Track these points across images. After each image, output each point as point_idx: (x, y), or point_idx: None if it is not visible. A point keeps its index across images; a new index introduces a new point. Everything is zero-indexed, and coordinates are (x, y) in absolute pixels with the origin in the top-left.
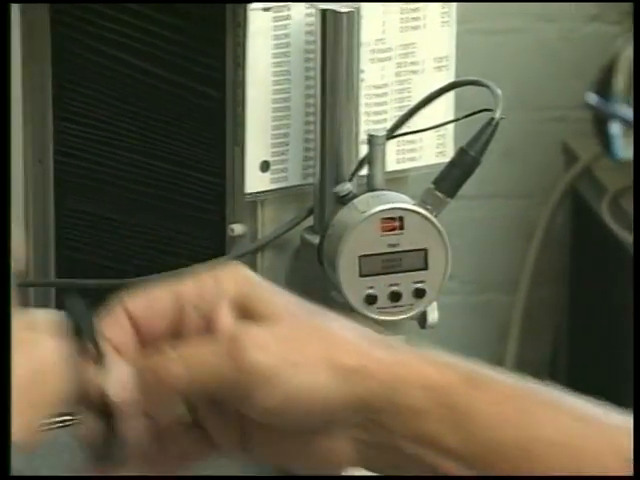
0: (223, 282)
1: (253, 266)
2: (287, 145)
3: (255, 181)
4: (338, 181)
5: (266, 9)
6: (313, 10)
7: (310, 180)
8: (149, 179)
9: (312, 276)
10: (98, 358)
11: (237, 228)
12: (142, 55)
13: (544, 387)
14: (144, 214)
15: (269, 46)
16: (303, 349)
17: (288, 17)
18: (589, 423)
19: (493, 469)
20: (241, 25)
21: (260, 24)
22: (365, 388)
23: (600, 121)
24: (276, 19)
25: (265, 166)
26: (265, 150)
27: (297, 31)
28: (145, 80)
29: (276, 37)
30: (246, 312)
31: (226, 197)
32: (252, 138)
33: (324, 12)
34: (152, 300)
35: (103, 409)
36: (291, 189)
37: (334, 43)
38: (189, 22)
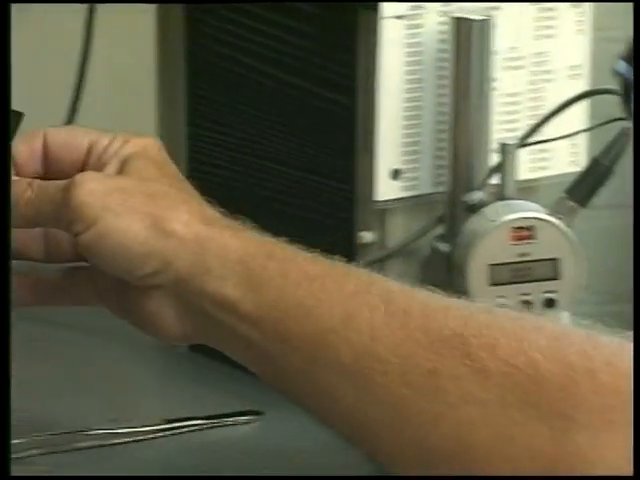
0: (128, 144)
1: (382, 273)
2: (418, 153)
3: (385, 189)
4: (469, 189)
5: (399, 17)
6: (446, 18)
7: (440, 188)
8: (279, 185)
9: (441, 284)
10: None
11: (366, 236)
12: (274, 63)
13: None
14: (275, 221)
15: (401, 54)
16: (127, 201)
17: (421, 25)
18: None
19: (277, 327)
20: (373, 32)
21: (393, 32)
22: (173, 250)
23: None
24: (409, 27)
25: (396, 174)
26: (396, 158)
27: (430, 39)
28: (277, 87)
29: (409, 45)
30: (121, 169)
31: (356, 204)
32: (383, 146)
33: (457, 20)
34: (71, 137)
35: None
36: (421, 197)
37: (467, 51)
38: (321, 29)
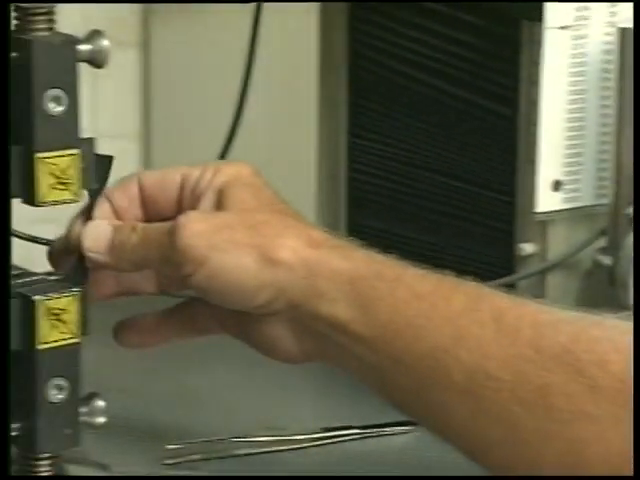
0: (220, 172)
1: (541, 286)
2: (580, 164)
3: (546, 200)
4: (632, 202)
5: (563, 27)
6: (612, 29)
7: (603, 200)
8: (440, 196)
9: (603, 298)
10: (87, 213)
11: (527, 247)
12: (436, 73)
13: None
14: (434, 232)
15: (565, 64)
16: (232, 237)
17: (585, 36)
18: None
19: (389, 348)
20: (537, 43)
21: (557, 42)
22: (284, 279)
23: None
24: (573, 38)
25: (557, 185)
26: (557, 169)
27: (594, 50)
28: (439, 98)
29: (573, 56)
30: (219, 202)
31: (516, 216)
32: (545, 157)
33: (623, 30)
34: (164, 176)
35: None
36: (583, 209)
37: (633, 62)
38: (484, 40)
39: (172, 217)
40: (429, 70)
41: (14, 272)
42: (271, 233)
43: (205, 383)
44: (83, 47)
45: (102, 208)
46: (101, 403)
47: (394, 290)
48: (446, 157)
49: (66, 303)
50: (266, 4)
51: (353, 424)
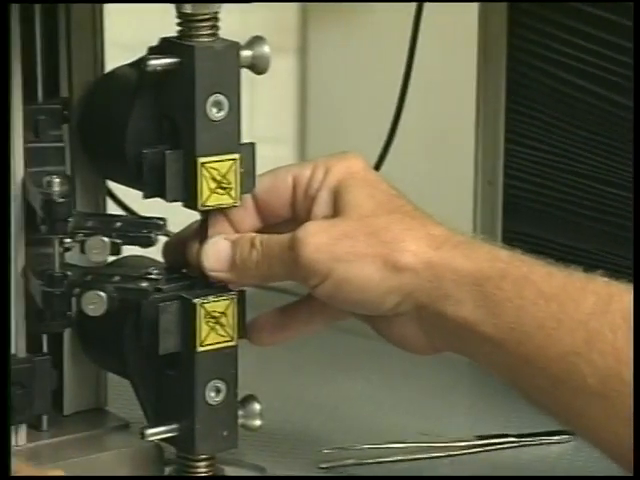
0: (331, 170)
1: None
2: None
3: None
4: None
5: None
6: None
7: None
8: (595, 203)
9: None
10: (202, 232)
11: None
12: (594, 79)
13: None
14: (589, 239)
15: None
16: (354, 246)
17: None
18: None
19: (519, 349)
20: None
21: None
22: (409, 283)
23: None
24: None
25: None
26: None
27: None
28: (596, 104)
29: None
30: (334, 203)
31: None
32: None
33: None
34: (274, 181)
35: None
36: None
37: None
38: None
39: (288, 219)
40: (587, 76)
41: (174, 275)
42: (391, 238)
43: (360, 388)
44: (245, 53)
45: (218, 221)
46: (257, 406)
47: (521, 290)
48: (603, 164)
49: (225, 306)
50: (426, 9)
51: (509, 432)
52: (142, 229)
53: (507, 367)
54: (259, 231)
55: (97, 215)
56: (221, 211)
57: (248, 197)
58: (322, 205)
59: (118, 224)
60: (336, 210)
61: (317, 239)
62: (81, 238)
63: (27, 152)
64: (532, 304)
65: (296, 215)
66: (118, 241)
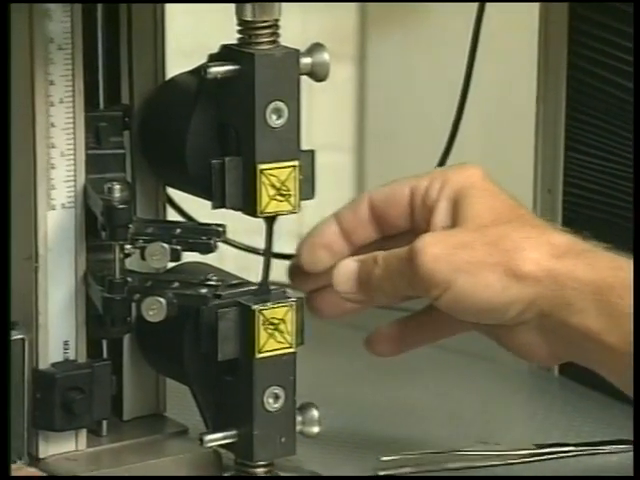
0: (449, 181)
1: None
2: None
3: None
4: None
5: None
6: None
7: None
8: None
9: None
10: (267, 240)
11: None
12: None
13: None
14: None
15: None
16: (474, 257)
17: None
18: None
19: None
20: None
21: None
22: (532, 292)
23: None
24: None
25: None
26: None
27: None
28: None
29: None
30: (453, 213)
31: None
32: None
33: None
34: (392, 191)
35: None
36: None
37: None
38: None
39: (406, 231)
40: None
41: (233, 282)
42: (512, 247)
43: (418, 395)
44: (305, 60)
45: (330, 228)
46: (316, 413)
47: None
48: None
49: (283, 313)
50: (486, 16)
51: (568, 442)
52: (201, 236)
53: (629, 378)
54: (375, 242)
55: (157, 221)
56: (334, 220)
57: (364, 208)
58: (441, 215)
59: (178, 230)
60: (454, 220)
61: (435, 249)
62: (141, 244)
63: (88, 158)
64: None
65: (414, 226)
66: (178, 247)
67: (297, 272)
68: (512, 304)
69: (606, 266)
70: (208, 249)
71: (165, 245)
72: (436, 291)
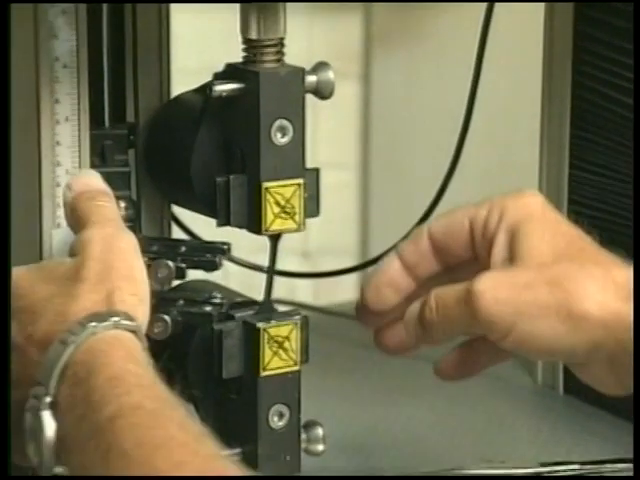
0: (507, 211)
1: None
2: None
3: None
4: None
5: None
6: None
7: None
8: None
9: None
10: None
11: None
12: None
13: None
14: None
15: None
16: (536, 299)
17: None
18: None
19: None
20: None
21: None
22: (598, 334)
23: None
24: None
25: None
26: None
27: None
28: None
29: None
30: (512, 247)
31: None
32: None
33: None
34: (451, 223)
35: None
36: None
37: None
38: None
39: (467, 261)
40: None
41: (238, 300)
42: (574, 287)
43: (422, 413)
44: (310, 78)
45: (393, 265)
46: (320, 431)
47: None
48: None
49: (288, 331)
50: (490, 36)
51: (572, 460)
52: (206, 253)
53: None
54: (440, 274)
55: (162, 239)
56: (396, 256)
57: (425, 240)
58: (500, 248)
59: (183, 248)
60: (513, 255)
61: (496, 292)
62: (146, 262)
63: None
64: None
65: (477, 255)
66: (183, 265)
67: (364, 311)
68: (577, 347)
69: None
70: (213, 267)
71: (170, 263)
72: (497, 335)
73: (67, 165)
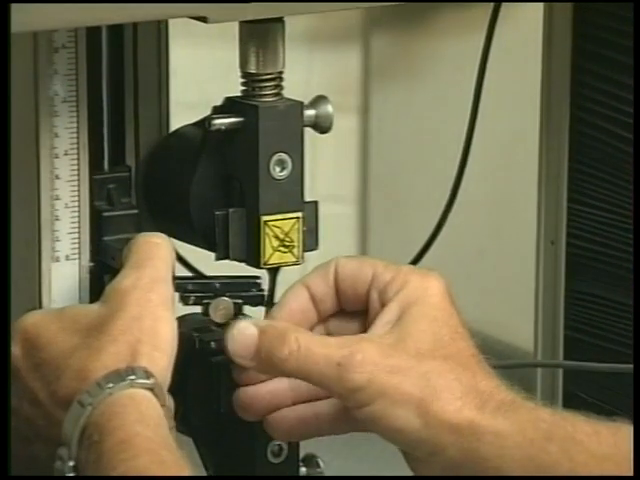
0: (407, 287)
1: None
2: None
3: None
4: None
5: None
6: None
7: None
8: None
9: None
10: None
11: None
12: None
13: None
14: None
15: None
16: (402, 385)
17: None
18: None
19: None
20: None
21: None
22: (445, 439)
23: None
24: None
25: None
26: None
27: None
28: None
29: None
30: (400, 322)
31: None
32: None
33: None
34: (358, 268)
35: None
36: None
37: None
38: None
39: (358, 311)
40: None
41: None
42: (439, 386)
43: None
44: (308, 112)
45: (301, 295)
46: (320, 464)
47: (569, 454)
48: None
49: None
50: (489, 71)
51: None
52: (242, 289)
53: None
54: (333, 315)
55: (191, 277)
56: (306, 285)
57: (331, 276)
58: (389, 317)
59: (217, 285)
60: (399, 331)
61: (370, 368)
62: (196, 301)
63: (103, 220)
64: (584, 465)
65: (367, 309)
66: (239, 301)
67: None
68: (421, 444)
69: (528, 418)
70: (259, 301)
71: (229, 300)
72: (353, 404)
73: (66, 199)
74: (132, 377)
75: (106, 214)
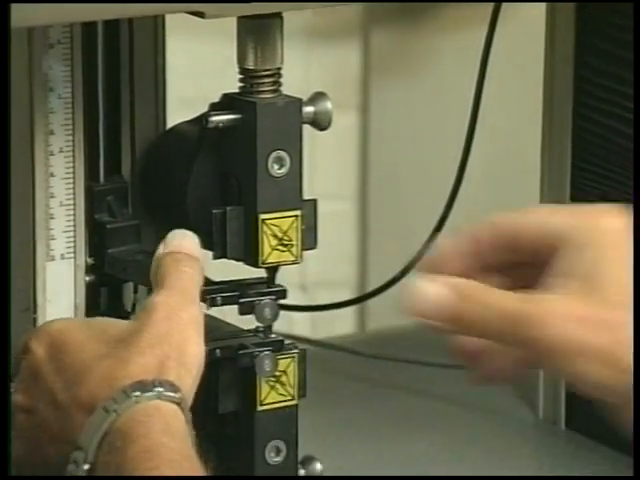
0: (588, 230)
1: None
2: None
3: None
4: None
5: None
6: None
7: None
8: None
9: None
10: None
11: None
12: None
13: None
14: None
15: None
16: (592, 341)
17: None
18: None
19: None
20: None
21: None
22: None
23: None
24: None
25: None
26: None
27: None
28: None
29: None
30: (588, 270)
31: None
32: None
33: None
34: (526, 219)
35: None
36: None
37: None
38: None
39: (518, 263)
40: None
41: (231, 329)
42: (627, 338)
43: (421, 448)
44: (307, 109)
45: (464, 246)
46: (318, 466)
47: None
48: None
49: (285, 365)
50: (490, 68)
51: None
52: (268, 294)
53: None
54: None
55: (217, 283)
56: (466, 239)
57: (493, 231)
58: (563, 264)
59: (251, 291)
60: (588, 278)
61: (565, 326)
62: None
63: (107, 232)
64: None
65: (533, 260)
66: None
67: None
68: (621, 395)
69: None
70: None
71: (272, 302)
72: (547, 364)
73: (61, 197)
74: (160, 389)
75: (110, 226)
